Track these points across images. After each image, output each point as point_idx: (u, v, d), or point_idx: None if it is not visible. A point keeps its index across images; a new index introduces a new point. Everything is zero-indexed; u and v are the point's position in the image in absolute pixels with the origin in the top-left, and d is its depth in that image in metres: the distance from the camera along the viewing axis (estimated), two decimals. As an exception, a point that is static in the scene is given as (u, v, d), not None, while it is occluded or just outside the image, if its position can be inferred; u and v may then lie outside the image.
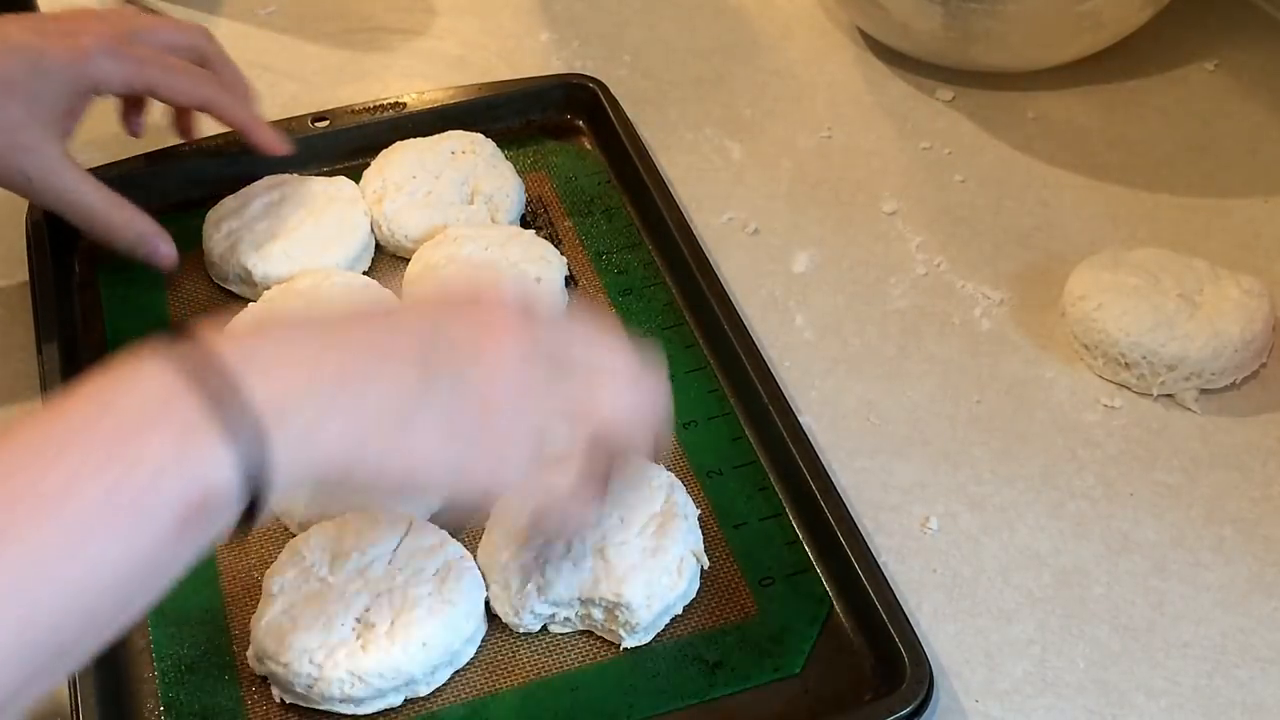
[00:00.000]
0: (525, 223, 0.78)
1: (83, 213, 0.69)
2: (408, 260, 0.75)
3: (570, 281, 0.75)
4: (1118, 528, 0.64)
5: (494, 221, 0.77)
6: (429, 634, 0.56)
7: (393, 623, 0.56)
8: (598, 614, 0.58)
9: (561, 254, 0.76)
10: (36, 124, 0.67)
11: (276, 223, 0.75)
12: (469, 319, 0.49)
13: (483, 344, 0.48)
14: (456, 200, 0.77)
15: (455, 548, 0.60)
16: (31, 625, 0.39)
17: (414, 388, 0.46)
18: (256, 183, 0.77)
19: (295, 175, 0.78)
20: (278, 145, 0.74)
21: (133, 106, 0.76)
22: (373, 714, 0.57)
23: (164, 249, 0.72)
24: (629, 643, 0.58)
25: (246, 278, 0.74)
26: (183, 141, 0.78)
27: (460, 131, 0.81)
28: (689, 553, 0.59)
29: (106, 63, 0.68)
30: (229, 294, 0.75)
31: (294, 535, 0.62)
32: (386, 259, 0.77)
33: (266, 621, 0.57)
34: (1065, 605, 0.61)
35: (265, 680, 0.58)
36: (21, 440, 0.41)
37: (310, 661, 0.55)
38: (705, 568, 0.61)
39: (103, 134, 0.88)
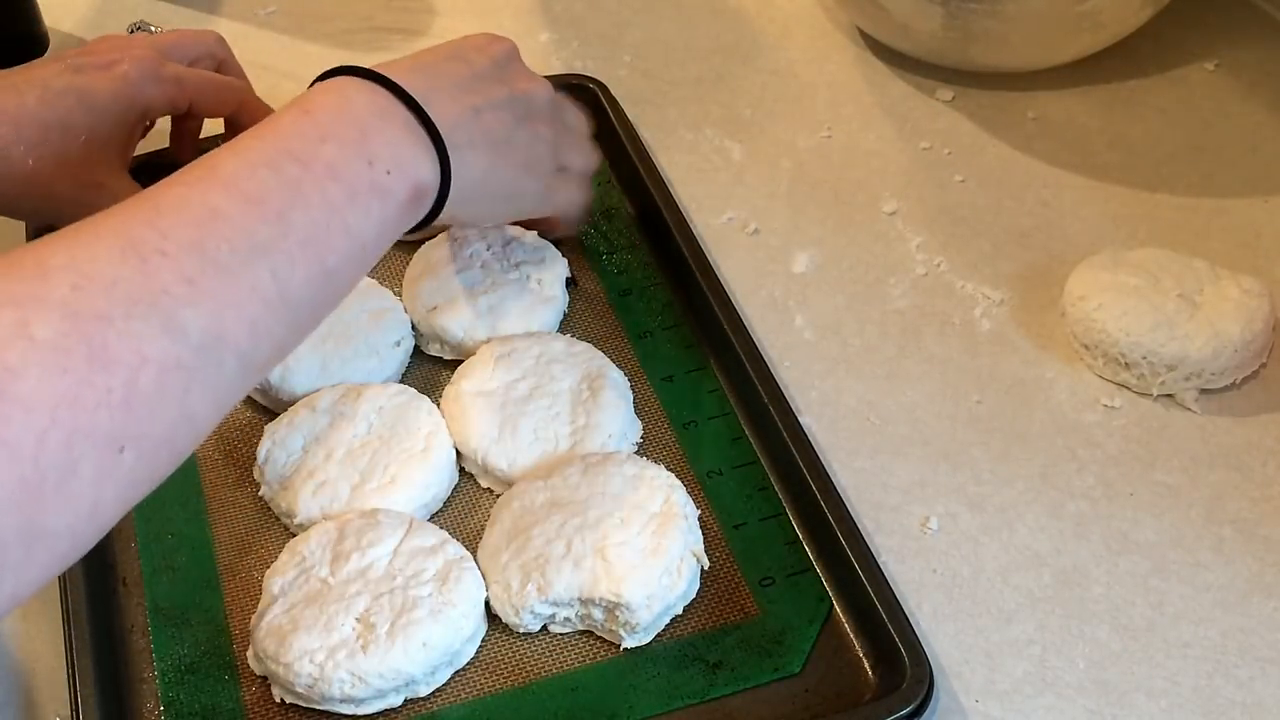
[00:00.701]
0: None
1: None
2: (403, 251, 0.75)
3: (570, 282, 0.75)
4: (1118, 528, 0.64)
5: None
6: (429, 634, 0.56)
7: (393, 623, 0.56)
8: (598, 614, 0.58)
9: (561, 254, 0.76)
10: (99, 160, 0.67)
11: None
12: (503, 58, 0.65)
13: (531, 82, 0.65)
14: None
15: (455, 548, 0.60)
16: (320, 270, 0.50)
17: (509, 122, 0.62)
18: None
19: None
20: None
21: (182, 125, 0.77)
22: (373, 714, 0.57)
23: None
24: (629, 643, 0.58)
25: None
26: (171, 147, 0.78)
27: None
28: (689, 553, 0.59)
29: (151, 87, 0.69)
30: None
31: (294, 535, 0.62)
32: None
33: (267, 621, 0.57)
34: (1065, 605, 0.61)
35: (265, 680, 0.58)
36: (285, 130, 0.53)
37: (310, 661, 0.55)
38: (705, 568, 0.61)
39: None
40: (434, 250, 0.73)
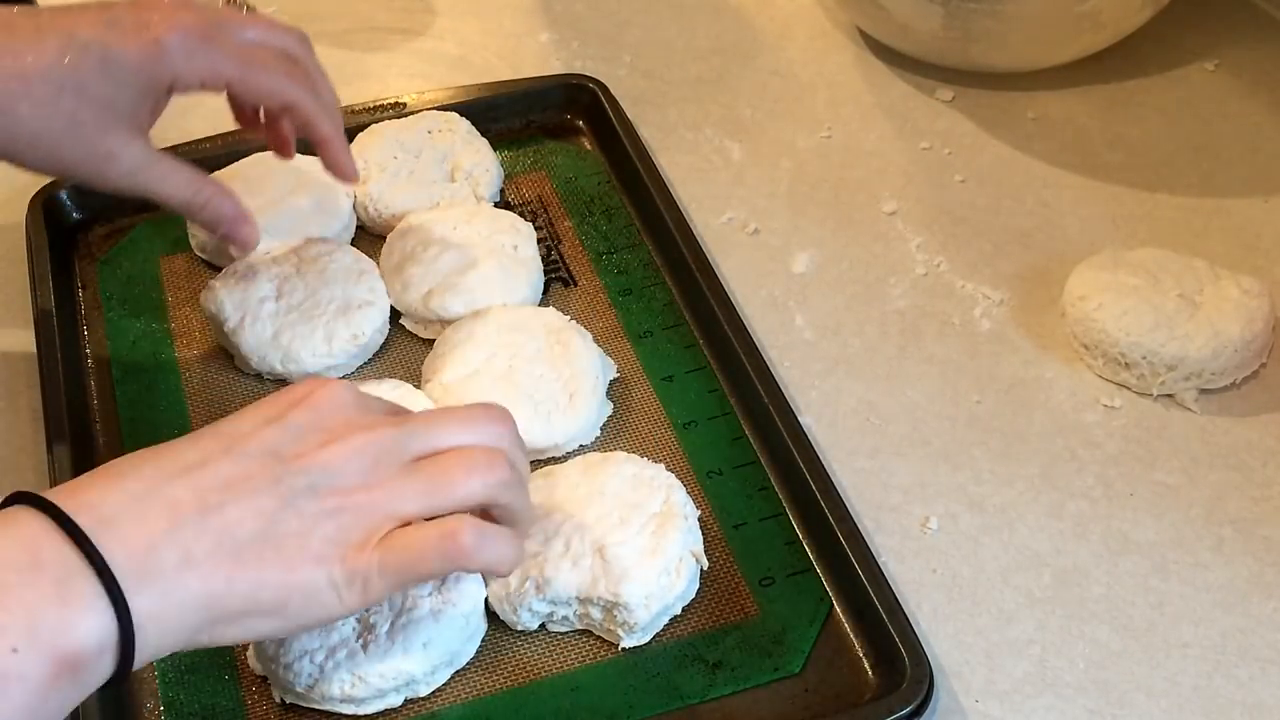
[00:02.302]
0: (512, 209, 0.78)
1: (164, 203, 0.65)
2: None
3: (570, 281, 0.75)
4: (1118, 528, 0.64)
5: (475, 197, 0.78)
6: (429, 635, 0.56)
7: (393, 623, 0.56)
8: (596, 614, 0.58)
9: (561, 254, 0.76)
10: (111, 127, 0.61)
11: (259, 198, 0.75)
12: (312, 421, 0.50)
13: (330, 446, 0.50)
14: (439, 178, 0.78)
15: None
16: None
17: (270, 507, 0.48)
18: (243, 160, 0.78)
19: None
20: (351, 173, 0.68)
21: (252, 120, 0.70)
22: (373, 714, 0.57)
23: (244, 231, 0.67)
24: (627, 643, 0.58)
25: (222, 249, 0.74)
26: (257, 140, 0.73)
27: (434, 111, 0.82)
28: (688, 553, 0.59)
29: (180, 60, 0.61)
30: (215, 267, 0.76)
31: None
32: (367, 237, 0.78)
33: None
34: (1065, 605, 0.61)
35: (265, 680, 0.58)
36: None
37: (310, 661, 0.55)
38: (704, 569, 0.61)
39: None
40: (402, 239, 0.74)
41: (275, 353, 0.69)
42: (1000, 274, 0.76)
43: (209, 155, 0.79)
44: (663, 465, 0.63)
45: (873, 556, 0.60)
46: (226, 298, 0.70)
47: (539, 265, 0.74)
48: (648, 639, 0.58)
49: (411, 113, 0.83)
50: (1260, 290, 0.70)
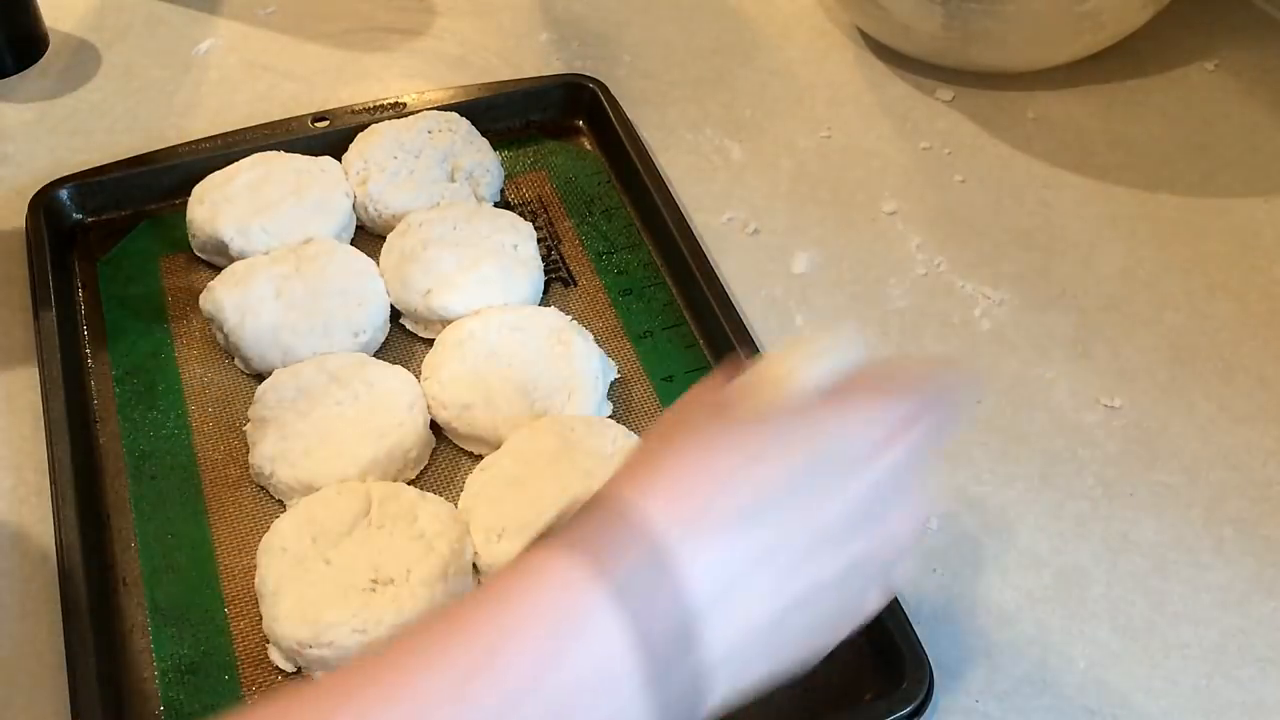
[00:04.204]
0: (512, 209, 0.78)
1: None
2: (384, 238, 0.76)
3: (570, 281, 0.75)
4: (1118, 528, 0.64)
5: (476, 197, 0.78)
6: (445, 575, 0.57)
7: (409, 570, 0.57)
8: None
9: (561, 254, 0.76)
10: None
11: (259, 198, 0.75)
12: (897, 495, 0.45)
13: (894, 532, 0.45)
14: (439, 178, 0.78)
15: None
16: None
17: (830, 578, 0.43)
18: (243, 160, 0.78)
19: (281, 153, 0.79)
20: None
21: None
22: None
23: None
24: None
25: (223, 250, 0.74)
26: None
27: (435, 111, 0.82)
28: None
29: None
30: (215, 267, 0.76)
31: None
32: (366, 237, 0.78)
33: (284, 615, 0.57)
34: (1065, 605, 0.61)
35: (265, 681, 0.58)
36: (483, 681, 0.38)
37: (352, 631, 0.56)
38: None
39: (92, 125, 0.89)
40: (401, 239, 0.74)
41: (275, 352, 0.69)
42: (1000, 274, 0.76)
43: (209, 155, 0.79)
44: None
45: (873, 556, 0.60)
46: (226, 299, 0.70)
47: (539, 265, 0.74)
48: None
49: (411, 113, 0.83)
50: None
